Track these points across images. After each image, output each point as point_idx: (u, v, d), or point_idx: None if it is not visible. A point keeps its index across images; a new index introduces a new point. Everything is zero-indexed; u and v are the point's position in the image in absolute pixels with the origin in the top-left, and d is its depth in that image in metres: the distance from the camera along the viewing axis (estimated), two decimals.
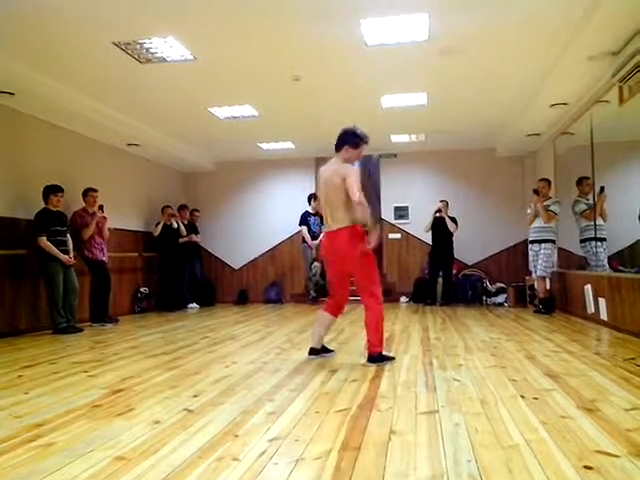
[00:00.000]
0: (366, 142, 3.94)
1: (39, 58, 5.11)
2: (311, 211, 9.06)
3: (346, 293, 4.02)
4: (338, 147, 3.92)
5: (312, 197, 9.00)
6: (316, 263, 8.82)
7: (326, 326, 4.06)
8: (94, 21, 4.39)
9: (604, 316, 5.61)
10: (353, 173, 3.74)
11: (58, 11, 4.19)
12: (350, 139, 3.90)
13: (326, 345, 4.21)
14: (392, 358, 3.92)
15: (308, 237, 8.94)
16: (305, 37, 4.83)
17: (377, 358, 3.80)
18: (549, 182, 7.18)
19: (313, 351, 4.09)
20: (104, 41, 4.75)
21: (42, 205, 5.97)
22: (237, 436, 2.25)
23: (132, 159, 8.56)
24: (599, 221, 6.18)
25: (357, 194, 3.65)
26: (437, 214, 8.65)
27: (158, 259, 8.69)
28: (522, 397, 2.77)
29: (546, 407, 2.58)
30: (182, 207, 9.30)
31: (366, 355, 3.90)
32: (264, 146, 9.17)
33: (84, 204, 6.65)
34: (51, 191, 6.01)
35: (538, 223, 6.98)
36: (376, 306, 3.82)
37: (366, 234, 3.81)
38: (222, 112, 7.10)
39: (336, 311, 4.02)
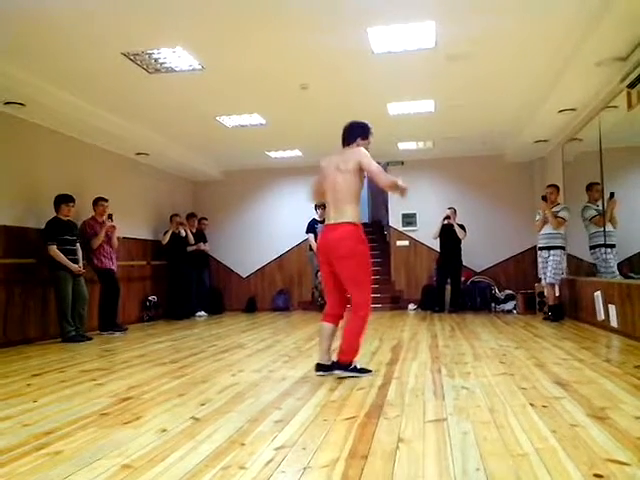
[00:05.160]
0: (372, 133, 3.86)
1: (49, 69, 5.17)
2: (318, 219, 9.03)
3: (343, 298, 3.70)
4: (349, 141, 3.77)
5: (319, 205, 8.99)
6: None
7: (328, 337, 3.66)
8: (103, 32, 4.44)
9: (614, 323, 5.56)
10: (366, 154, 3.60)
11: (67, 22, 4.25)
12: (361, 131, 3.79)
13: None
14: (368, 371, 3.69)
15: (315, 245, 8.92)
16: (312, 46, 4.86)
17: (347, 367, 3.58)
18: (557, 188, 7.14)
19: (320, 367, 3.67)
20: (113, 52, 4.81)
21: (52, 215, 6.01)
22: (244, 444, 2.24)
23: (141, 168, 8.62)
24: (609, 227, 6.13)
25: (382, 177, 3.55)
26: (445, 221, 8.64)
27: (166, 267, 8.73)
28: (531, 405, 2.75)
29: (556, 415, 2.55)
30: (190, 215, 9.35)
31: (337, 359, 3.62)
32: (272, 154, 9.21)
33: (94, 213, 6.70)
34: (62, 201, 6.06)
35: (547, 229, 6.94)
36: (363, 312, 3.57)
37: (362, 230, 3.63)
38: (230, 121, 7.14)
39: (336, 319, 3.68)
